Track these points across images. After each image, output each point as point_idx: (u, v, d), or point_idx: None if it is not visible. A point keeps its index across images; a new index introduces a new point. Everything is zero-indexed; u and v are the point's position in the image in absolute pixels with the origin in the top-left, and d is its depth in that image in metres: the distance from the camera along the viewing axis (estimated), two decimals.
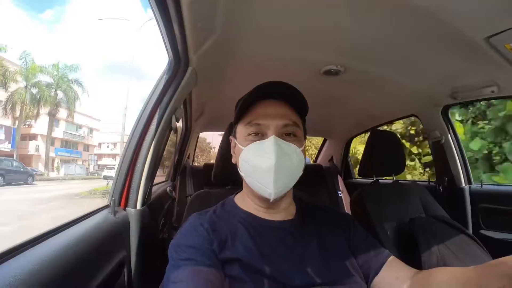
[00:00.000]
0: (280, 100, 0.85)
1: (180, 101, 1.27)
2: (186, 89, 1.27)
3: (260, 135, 0.81)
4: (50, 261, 0.61)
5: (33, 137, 27.22)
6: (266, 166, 0.76)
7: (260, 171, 0.78)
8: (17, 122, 23.18)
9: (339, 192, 2.83)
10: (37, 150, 26.90)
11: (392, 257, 0.86)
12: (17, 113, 22.88)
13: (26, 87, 22.17)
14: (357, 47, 1.27)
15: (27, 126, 26.01)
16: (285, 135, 0.81)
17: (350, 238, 0.89)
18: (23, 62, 21.30)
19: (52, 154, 27.39)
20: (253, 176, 0.80)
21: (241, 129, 0.86)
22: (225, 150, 1.08)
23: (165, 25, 0.91)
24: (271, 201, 0.79)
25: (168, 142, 1.45)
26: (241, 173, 0.85)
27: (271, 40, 1.22)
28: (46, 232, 0.76)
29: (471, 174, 1.95)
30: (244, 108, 0.84)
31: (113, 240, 0.95)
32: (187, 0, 0.81)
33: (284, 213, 0.88)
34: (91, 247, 0.79)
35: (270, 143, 0.78)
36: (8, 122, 23.29)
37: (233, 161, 0.92)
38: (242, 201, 0.91)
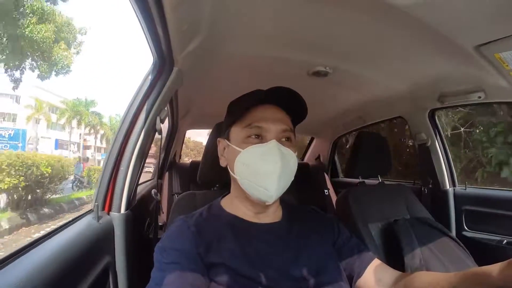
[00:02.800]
0: (278, 105, 0.86)
1: (165, 102, 1.24)
2: (172, 89, 1.25)
3: (259, 138, 0.81)
4: (33, 274, 0.60)
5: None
6: (272, 169, 0.76)
7: (264, 174, 0.77)
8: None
9: (326, 190, 2.85)
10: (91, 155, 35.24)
11: (375, 259, 0.88)
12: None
13: None
14: (345, 49, 1.27)
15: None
16: (284, 139, 0.82)
17: (335, 240, 0.90)
18: None
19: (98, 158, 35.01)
20: (252, 179, 0.79)
21: (238, 131, 0.84)
22: (211, 150, 1.06)
23: (149, 28, 0.88)
24: (270, 203, 0.79)
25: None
26: (235, 176, 0.83)
27: (258, 41, 1.21)
28: (29, 243, 0.75)
29: (455, 177, 1.99)
30: (244, 109, 0.83)
31: (97, 247, 0.94)
32: (170, 4, 0.79)
33: (271, 216, 0.88)
34: (74, 256, 0.77)
35: (273, 147, 0.78)
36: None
37: (223, 164, 0.90)
38: (230, 204, 0.90)
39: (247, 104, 0.82)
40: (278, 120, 0.83)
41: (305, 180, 2.84)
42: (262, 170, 0.77)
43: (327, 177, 3.00)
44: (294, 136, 0.88)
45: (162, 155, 2.38)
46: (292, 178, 0.83)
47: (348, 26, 1.08)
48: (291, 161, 0.81)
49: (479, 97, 1.53)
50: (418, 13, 0.93)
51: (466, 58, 1.19)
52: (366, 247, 0.93)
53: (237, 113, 0.83)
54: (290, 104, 0.86)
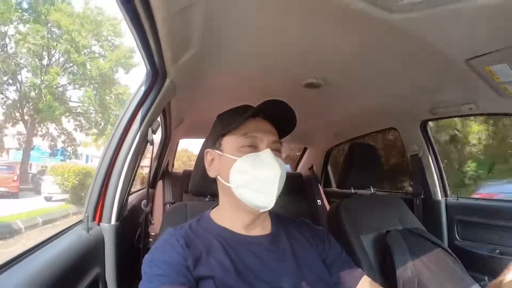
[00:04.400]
0: (268, 119, 0.88)
1: (157, 112, 1.25)
2: (164, 100, 1.26)
3: (253, 147, 0.82)
4: (23, 286, 0.60)
5: None
6: (273, 174, 0.78)
7: (264, 180, 0.79)
8: None
9: (318, 201, 2.85)
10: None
11: (365, 276, 0.88)
12: None
13: None
14: (337, 61, 1.29)
15: None
16: (274, 150, 0.84)
17: (325, 254, 0.90)
18: None
19: None
20: (250, 186, 0.79)
21: (232, 141, 0.85)
22: (203, 160, 1.07)
23: (141, 40, 0.90)
24: (265, 210, 0.81)
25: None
26: (229, 185, 0.83)
27: (250, 54, 1.22)
28: (19, 254, 0.75)
29: (447, 187, 2.00)
30: (242, 120, 0.84)
31: (87, 258, 0.93)
32: (161, 17, 0.80)
33: (260, 228, 0.88)
34: (64, 267, 0.77)
35: (269, 155, 0.80)
36: None
37: (211, 174, 0.90)
38: (219, 216, 0.89)
39: (242, 116, 0.83)
40: (269, 131, 0.85)
41: (298, 190, 2.84)
42: (263, 176, 0.79)
43: (320, 188, 3.00)
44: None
45: (154, 165, 2.37)
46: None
47: (340, 39, 1.09)
48: (283, 169, 0.83)
49: (470, 109, 1.56)
50: (409, 27, 0.95)
51: (458, 71, 1.22)
52: (356, 263, 0.93)
53: (235, 123, 0.84)
54: (279, 118, 0.88)
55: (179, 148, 3.44)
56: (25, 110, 12.48)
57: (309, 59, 1.28)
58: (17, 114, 12.51)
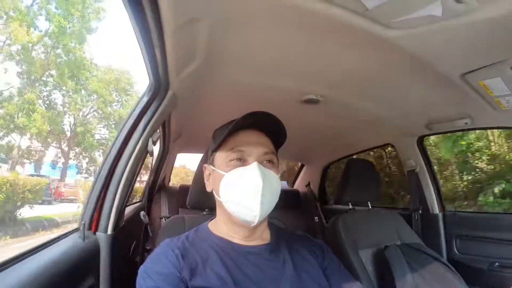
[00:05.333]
0: (259, 130, 0.88)
1: (158, 124, 1.26)
2: (165, 112, 1.27)
3: (242, 161, 0.83)
4: None
5: None
6: (254, 188, 0.77)
7: (246, 194, 0.78)
8: None
9: (315, 218, 2.84)
10: None
11: None
12: None
13: None
14: (336, 78, 1.31)
15: None
16: (265, 161, 0.84)
17: (324, 267, 0.90)
18: None
19: None
20: (236, 200, 0.80)
21: (221, 156, 0.86)
22: (202, 174, 1.07)
23: (148, 50, 0.91)
24: (254, 225, 0.79)
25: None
26: (220, 199, 0.84)
27: (251, 69, 1.24)
28: (12, 258, 0.74)
29: (443, 201, 2.01)
30: (227, 135, 0.84)
31: (82, 267, 0.92)
32: (169, 29, 0.82)
33: (259, 238, 0.88)
34: (58, 275, 0.76)
35: (254, 168, 0.79)
36: None
37: (209, 189, 0.92)
38: (216, 227, 0.90)
39: (229, 130, 0.84)
40: (259, 143, 0.85)
41: (295, 207, 2.83)
42: (246, 190, 0.79)
43: (317, 204, 2.99)
44: (277, 158, 0.89)
45: (152, 177, 2.37)
46: (277, 199, 0.84)
47: (340, 56, 1.12)
48: (274, 181, 0.82)
49: (466, 123, 1.59)
50: (406, 43, 0.98)
51: (452, 86, 1.25)
52: (355, 277, 0.93)
53: (220, 138, 0.85)
54: (270, 128, 0.89)
55: (176, 164, 3.42)
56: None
57: (309, 76, 1.30)
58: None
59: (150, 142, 1.21)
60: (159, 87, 1.17)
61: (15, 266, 0.70)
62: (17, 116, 13.32)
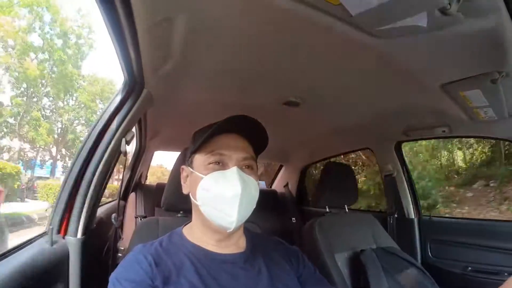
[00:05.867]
0: (241, 134, 0.86)
1: (132, 123, 1.22)
2: (140, 110, 1.23)
3: (221, 165, 0.81)
4: None
5: None
6: (232, 194, 0.75)
7: (224, 199, 0.76)
8: None
9: (293, 218, 2.85)
10: None
11: None
12: None
13: None
14: (317, 81, 1.31)
15: None
16: (244, 167, 0.82)
17: (300, 273, 0.89)
18: None
19: None
20: (213, 205, 0.78)
21: (200, 158, 0.84)
22: (177, 175, 1.04)
23: (121, 48, 0.88)
24: (230, 231, 0.78)
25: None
26: (197, 202, 0.82)
27: (228, 70, 1.22)
28: None
29: (420, 206, 2.06)
30: (207, 138, 0.82)
31: (50, 273, 0.89)
32: (143, 27, 0.79)
33: (234, 246, 0.86)
34: (25, 282, 0.73)
35: (234, 173, 0.78)
36: None
37: (185, 191, 0.89)
38: (191, 232, 0.87)
39: (210, 133, 0.82)
40: (239, 148, 0.84)
41: (272, 208, 2.83)
42: (223, 195, 0.77)
43: (294, 206, 3.00)
44: (257, 165, 0.88)
45: (127, 176, 2.30)
46: (254, 206, 0.83)
47: (320, 60, 1.11)
48: (252, 188, 0.81)
49: (443, 131, 1.63)
50: (388, 52, 0.98)
51: (432, 95, 1.27)
52: (330, 282, 0.93)
53: (200, 140, 0.83)
54: (252, 133, 0.87)
55: (153, 163, 3.36)
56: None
57: (290, 78, 1.29)
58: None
59: (123, 142, 1.17)
60: (134, 85, 1.14)
61: None
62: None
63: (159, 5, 0.76)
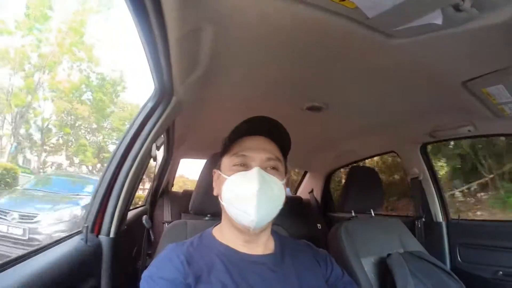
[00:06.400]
0: (265, 136, 0.89)
1: (162, 129, 1.27)
2: (169, 118, 1.28)
3: (245, 166, 0.83)
4: None
5: None
6: (250, 192, 0.77)
7: (243, 198, 0.78)
8: None
9: (318, 225, 2.82)
10: None
11: None
12: None
13: None
14: (339, 86, 1.33)
15: None
16: (269, 168, 0.84)
17: (327, 276, 0.90)
18: None
19: None
20: (235, 204, 0.80)
21: (226, 161, 0.87)
22: (205, 180, 1.08)
23: (153, 57, 0.93)
24: (252, 229, 0.78)
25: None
26: (223, 203, 0.85)
27: (254, 77, 1.26)
28: (15, 258, 0.75)
29: (448, 209, 1.99)
30: (232, 141, 0.86)
31: (84, 269, 0.93)
32: (174, 37, 0.84)
33: (263, 247, 0.87)
34: (60, 276, 0.77)
35: (253, 172, 0.79)
36: None
37: (215, 193, 0.92)
38: (220, 233, 0.89)
39: (234, 136, 0.86)
40: (263, 149, 0.85)
41: (298, 214, 2.81)
42: (243, 194, 0.79)
43: (320, 212, 2.98)
44: (283, 165, 0.89)
45: (155, 182, 2.38)
46: (280, 206, 0.83)
47: (341, 64, 1.13)
48: (275, 187, 0.82)
49: (469, 131, 1.59)
50: (407, 51, 0.99)
51: (454, 93, 1.25)
52: (357, 285, 0.93)
53: (226, 144, 0.87)
54: (274, 133, 0.89)
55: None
56: None
57: (312, 83, 1.31)
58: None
59: (154, 147, 1.22)
60: (164, 94, 1.18)
61: (18, 266, 0.71)
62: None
63: (189, 17, 0.80)
